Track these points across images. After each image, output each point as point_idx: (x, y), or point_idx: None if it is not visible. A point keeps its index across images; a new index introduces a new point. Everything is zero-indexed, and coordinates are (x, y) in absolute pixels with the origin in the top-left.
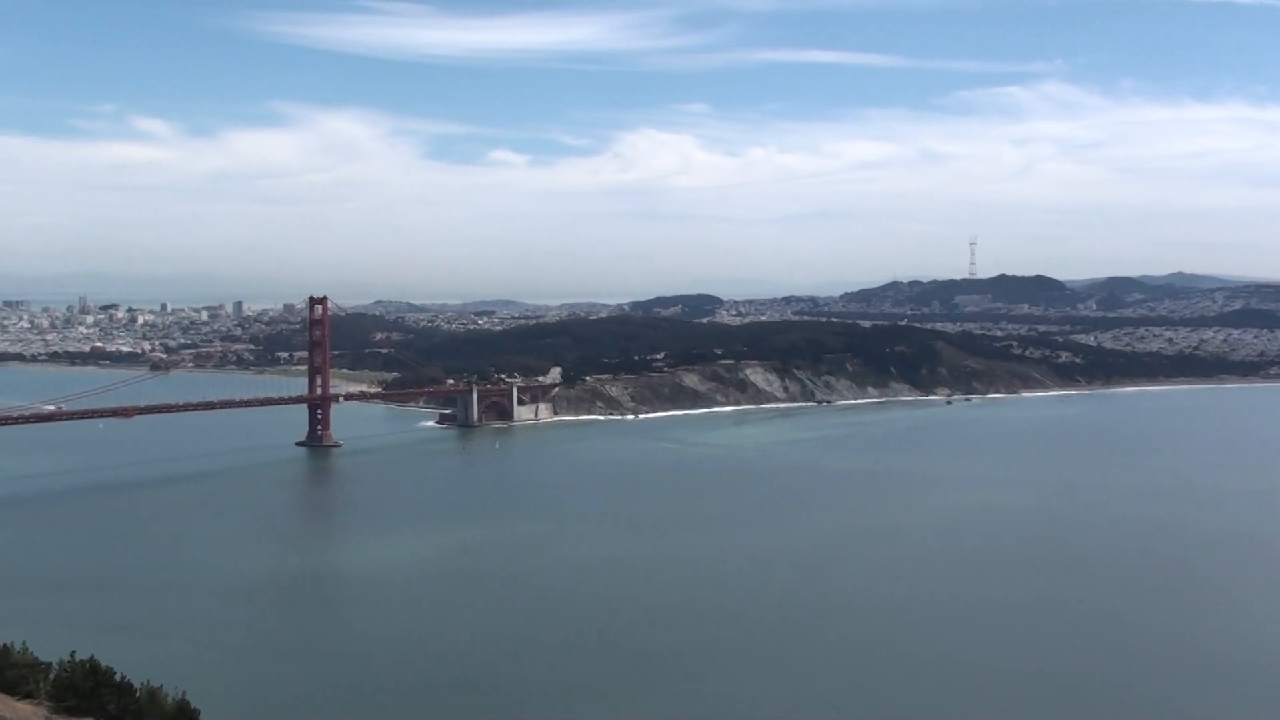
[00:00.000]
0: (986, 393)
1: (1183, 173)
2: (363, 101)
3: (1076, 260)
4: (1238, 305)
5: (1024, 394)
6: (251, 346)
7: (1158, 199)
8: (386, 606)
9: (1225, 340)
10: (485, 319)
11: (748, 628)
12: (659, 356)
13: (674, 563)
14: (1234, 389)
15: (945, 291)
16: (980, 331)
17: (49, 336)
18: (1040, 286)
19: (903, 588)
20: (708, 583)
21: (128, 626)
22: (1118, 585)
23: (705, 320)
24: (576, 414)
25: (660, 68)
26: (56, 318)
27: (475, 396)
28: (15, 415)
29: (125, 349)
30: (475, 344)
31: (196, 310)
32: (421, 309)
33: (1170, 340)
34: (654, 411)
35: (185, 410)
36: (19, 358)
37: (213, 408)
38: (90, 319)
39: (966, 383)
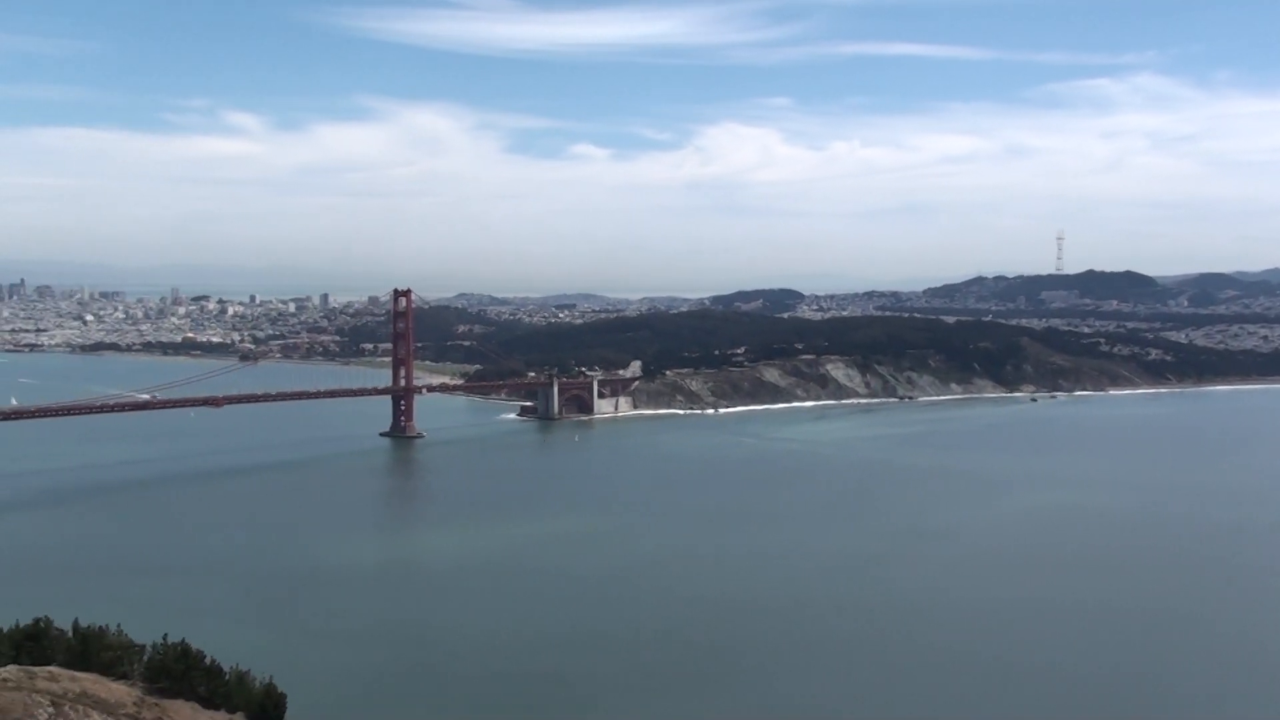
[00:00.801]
0: (1073, 390)
1: None
2: (446, 96)
3: (1167, 256)
4: None
5: (1112, 392)
6: (337, 338)
7: (1253, 194)
8: (462, 596)
9: None
10: (566, 312)
11: (810, 625)
12: (739, 351)
13: (742, 558)
14: None
15: (1031, 287)
16: (1067, 328)
17: (143, 327)
18: (1130, 282)
19: (967, 587)
20: (773, 579)
21: (216, 611)
22: (1204, 592)
23: (786, 315)
24: (656, 408)
25: (743, 61)
26: (150, 308)
27: (556, 390)
28: (113, 403)
29: (215, 339)
30: (556, 337)
31: (284, 302)
32: (503, 302)
33: (1265, 338)
34: (734, 406)
35: (273, 400)
36: (115, 347)
37: (299, 398)
38: (182, 310)
39: (1052, 380)
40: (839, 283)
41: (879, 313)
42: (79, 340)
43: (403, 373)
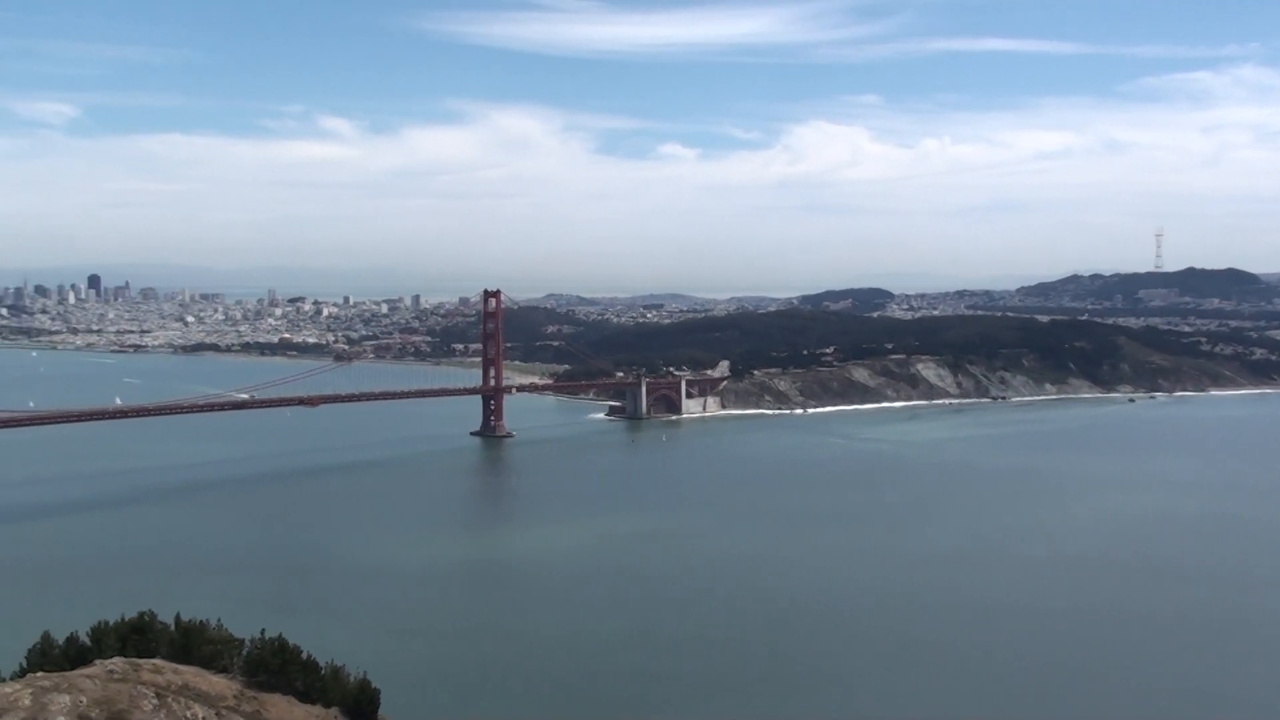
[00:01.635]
0: (1173, 391)
1: None
2: (535, 98)
3: (1272, 252)
4: None
5: (1213, 392)
6: (428, 338)
7: None
8: (549, 594)
9: None
10: (654, 312)
11: (892, 629)
12: (828, 351)
13: (825, 559)
14: None
15: (1128, 285)
16: (1166, 327)
17: (241, 328)
18: (1232, 280)
19: (1045, 593)
20: (857, 581)
21: (311, 607)
22: None
23: (875, 314)
24: (744, 408)
25: (831, 59)
26: (248, 310)
27: (644, 389)
28: (212, 403)
29: (311, 340)
30: (644, 337)
31: (377, 303)
32: (591, 302)
33: None
34: (822, 406)
35: (365, 400)
36: (214, 348)
37: (391, 398)
38: (279, 311)
39: (1151, 380)
40: (929, 282)
41: (970, 312)
42: (180, 341)
43: (492, 373)
